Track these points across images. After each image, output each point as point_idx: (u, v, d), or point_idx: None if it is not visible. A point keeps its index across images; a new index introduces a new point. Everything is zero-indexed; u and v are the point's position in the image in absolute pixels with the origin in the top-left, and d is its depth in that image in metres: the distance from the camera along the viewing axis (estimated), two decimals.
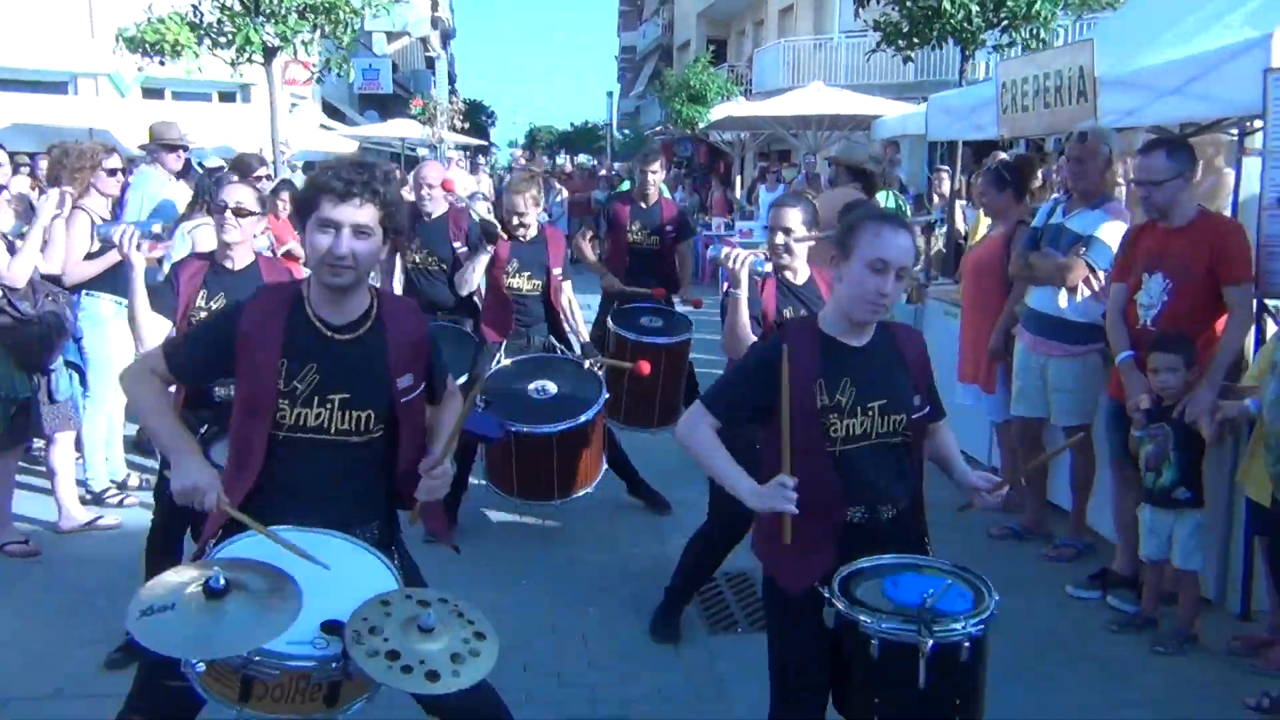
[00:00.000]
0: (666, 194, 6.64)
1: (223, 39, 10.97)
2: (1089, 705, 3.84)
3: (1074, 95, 5.38)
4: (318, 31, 11.35)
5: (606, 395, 5.05)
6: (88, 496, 5.60)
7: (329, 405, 2.50)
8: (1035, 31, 10.32)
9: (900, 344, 2.76)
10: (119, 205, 6.11)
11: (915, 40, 10.90)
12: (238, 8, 10.78)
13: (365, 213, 2.46)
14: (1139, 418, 4.23)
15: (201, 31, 10.99)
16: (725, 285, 3.94)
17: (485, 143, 45.77)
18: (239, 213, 3.93)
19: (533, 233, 5.51)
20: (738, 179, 24.83)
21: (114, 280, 5.39)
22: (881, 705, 2.43)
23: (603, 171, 26.30)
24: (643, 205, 6.55)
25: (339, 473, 2.55)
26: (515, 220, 5.46)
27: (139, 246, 3.76)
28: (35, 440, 5.51)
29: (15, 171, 7.66)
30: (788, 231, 3.99)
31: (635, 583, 4.74)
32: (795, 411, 2.59)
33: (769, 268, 3.91)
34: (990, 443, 6.20)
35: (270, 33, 10.73)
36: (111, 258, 5.30)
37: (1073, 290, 4.86)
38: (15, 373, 4.73)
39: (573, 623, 4.41)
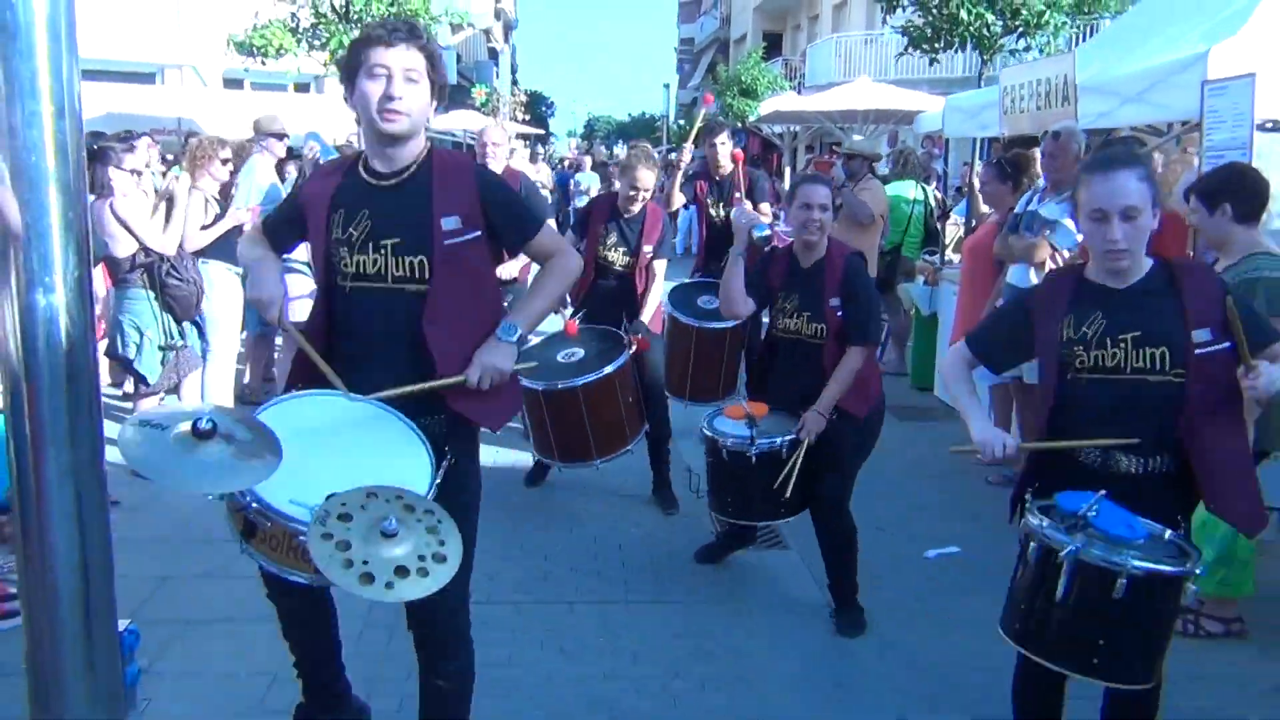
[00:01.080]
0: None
1: (317, 42, 12.11)
2: None
3: (1059, 99, 6.16)
4: None
5: (629, 353, 5.21)
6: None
7: (383, 251, 2.53)
8: (1047, 38, 11.11)
9: (1180, 282, 2.67)
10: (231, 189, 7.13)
11: (938, 45, 11.68)
12: (331, 15, 11.95)
13: (413, 57, 2.49)
14: None
15: (299, 36, 12.16)
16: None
17: (544, 133, 46.90)
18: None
19: (637, 208, 5.56)
20: (787, 170, 25.58)
21: (226, 249, 6.39)
22: (1024, 612, 2.56)
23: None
24: (715, 179, 6.66)
25: (401, 327, 2.56)
26: (631, 192, 5.50)
27: None
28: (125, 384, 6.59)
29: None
30: (822, 208, 4.17)
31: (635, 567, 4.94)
32: (1043, 344, 2.75)
33: (768, 233, 4.33)
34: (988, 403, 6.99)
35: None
36: (222, 228, 6.32)
37: (1039, 267, 5.64)
38: (174, 325, 5.80)
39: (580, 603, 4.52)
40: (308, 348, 2.53)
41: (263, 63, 12.09)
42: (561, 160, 29.75)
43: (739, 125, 25.61)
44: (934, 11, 11.19)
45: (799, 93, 25.58)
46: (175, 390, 6.25)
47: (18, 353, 2.85)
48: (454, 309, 2.54)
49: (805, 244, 4.23)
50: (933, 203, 9.47)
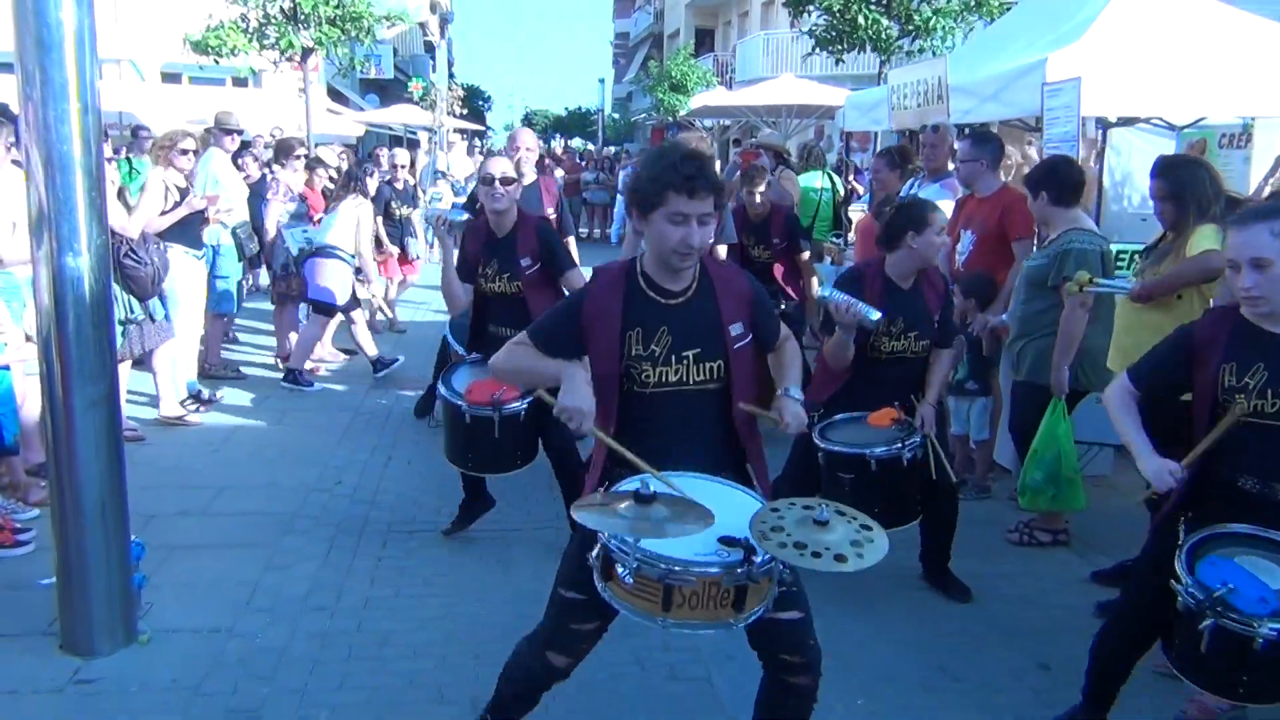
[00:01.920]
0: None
1: (267, 42, 12.72)
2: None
3: (935, 98, 7.02)
4: (346, 36, 13.11)
5: None
6: (191, 401, 7.19)
7: (685, 361, 2.77)
8: (936, 41, 12.14)
9: None
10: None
11: (840, 47, 12.66)
12: (279, 16, 12.59)
13: (708, 203, 2.69)
14: None
15: (250, 35, 12.76)
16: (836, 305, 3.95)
17: (482, 127, 47.36)
18: (505, 181, 4.61)
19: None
20: (718, 163, 26.43)
21: (184, 233, 7.01)
22: (1178, 645, 2.82)
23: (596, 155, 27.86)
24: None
25: (701, 422, 2.84)
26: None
27: (449, 230, 4.60)
28: None
29: None
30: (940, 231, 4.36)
31: None
32: (1202, 385, 2.93)
33: (876, 316, 3.97)
34: None
35: (307, 37, 12.48)
36: (181, 214, 6.92)
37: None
38: (132, 301, 6.36)
39: None
40: (617, 447, 2.73)
41: (216, 61, 12.69)
42: (495, 153, 30.32)
43: (670, 120, 26.50)
44: (836, 16, 12.20)
45: (729, 88, 26.46)
46: (142, 361, 6.82)
47: (51, 305, 3.60)
48: (743, 398, 2.87)
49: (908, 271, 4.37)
50: (840, 191, 10.33)
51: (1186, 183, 4.12)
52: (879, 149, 7.96)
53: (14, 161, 5.41)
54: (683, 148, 2.83)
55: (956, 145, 6.15)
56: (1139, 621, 3.13)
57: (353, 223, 7.85)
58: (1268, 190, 5.14)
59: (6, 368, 4.91)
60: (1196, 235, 4.11)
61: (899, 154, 7.07)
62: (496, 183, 4.57)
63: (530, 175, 6.32)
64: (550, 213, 6.28)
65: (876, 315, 3.94)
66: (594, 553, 2.54)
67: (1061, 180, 4.89)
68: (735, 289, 2.90)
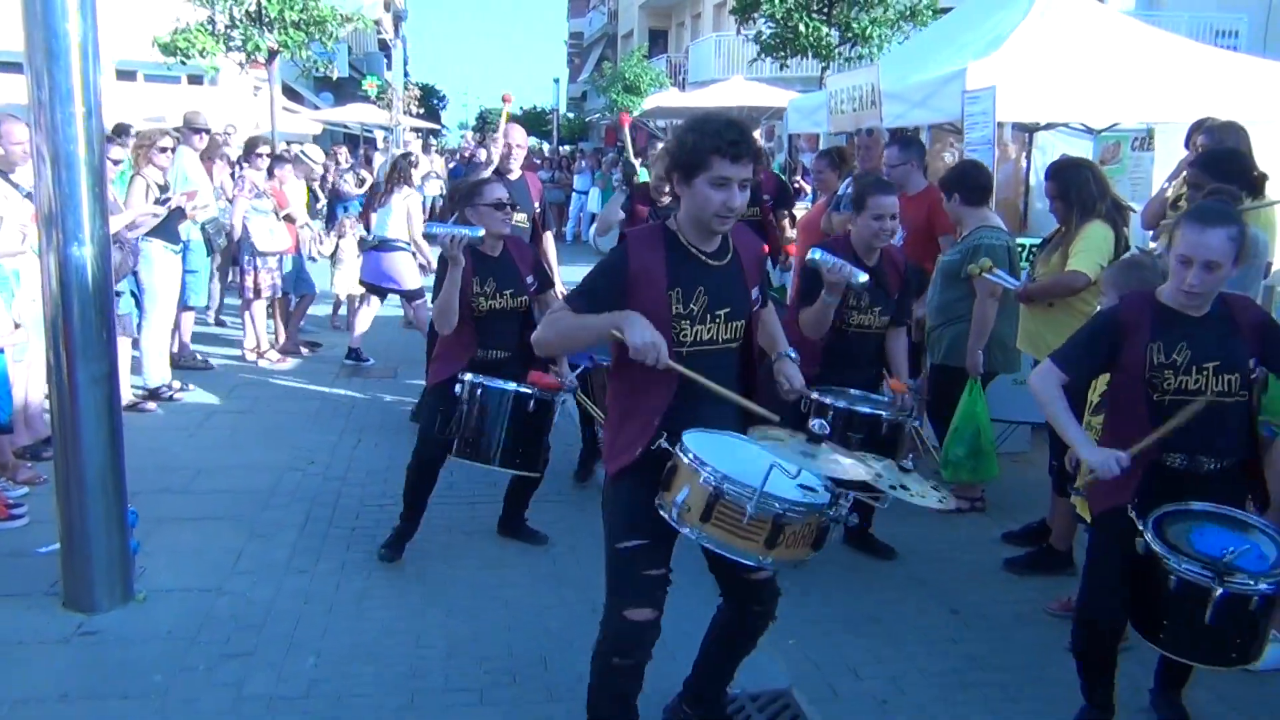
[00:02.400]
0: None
1: (233, 44, 13.04)
2: None
3: (869, 102, 7.51)
4: (309, 39, 13.49)
5: None
6: (144, 392, 7.51)
7: (718, 320, 2.90)
8: (873, 49, 12.77)
9: (1236, 314, 3.13)
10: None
11: (783, 54, 13.23)
12: (244, 19, 12.93)
13: (748, 169, 2.78)
14: None
15: (216, 37, 13.08)
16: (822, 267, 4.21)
17: (437, 126, 47.44)
18: (513, 206, 4.79)
19: None
20: None
21: (163, 228, 7.33)
22: (1169, 627, 2.94)
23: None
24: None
25: (727, 376, 2.96)
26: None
27: (461, 247, 4.48)
28: None
29: None
30: (892, 217, 4.60)
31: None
32: (1131, 367, 3.11)
33: (863, 278, 4.23)
34: None
35: (272, 39, 12.81)
36: (163, 211, 7.24)
37: None
38: None
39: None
40: (699, 378, 2.84)
41: (183, 62, 13.00)
42: (454, 151, 30.56)
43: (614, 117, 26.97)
44: (780, 24, 12.79)
45: (682, 89, 26.93)
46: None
47: (57, 291, 3.97)
48: (753, 356, 3.10)
49: (873, 248, 4.63)
50: (787, 189, 10.81)
51: (1072, 184, 4.63)
52: (820, 150, 8.45)
53: None
54: (724, 116, 2.92)
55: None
56: (1109, 610, 3.22)
57: (404, 213, 8.24)
58: (1170, 191, 5.65)
59: (0, 351, 5.22)
60: (1083, 231, 4.62)
61: (838, 155, 7.55)
62: (507, 208, 4.67)
63: (517, 172, 6.54)
64: (536, 208, 6.54)
65: (864, 277, 4.19)
66: (681, 496, 2.72)
67: (971, 183, 5.40)
68: (754, 253, 3.06)
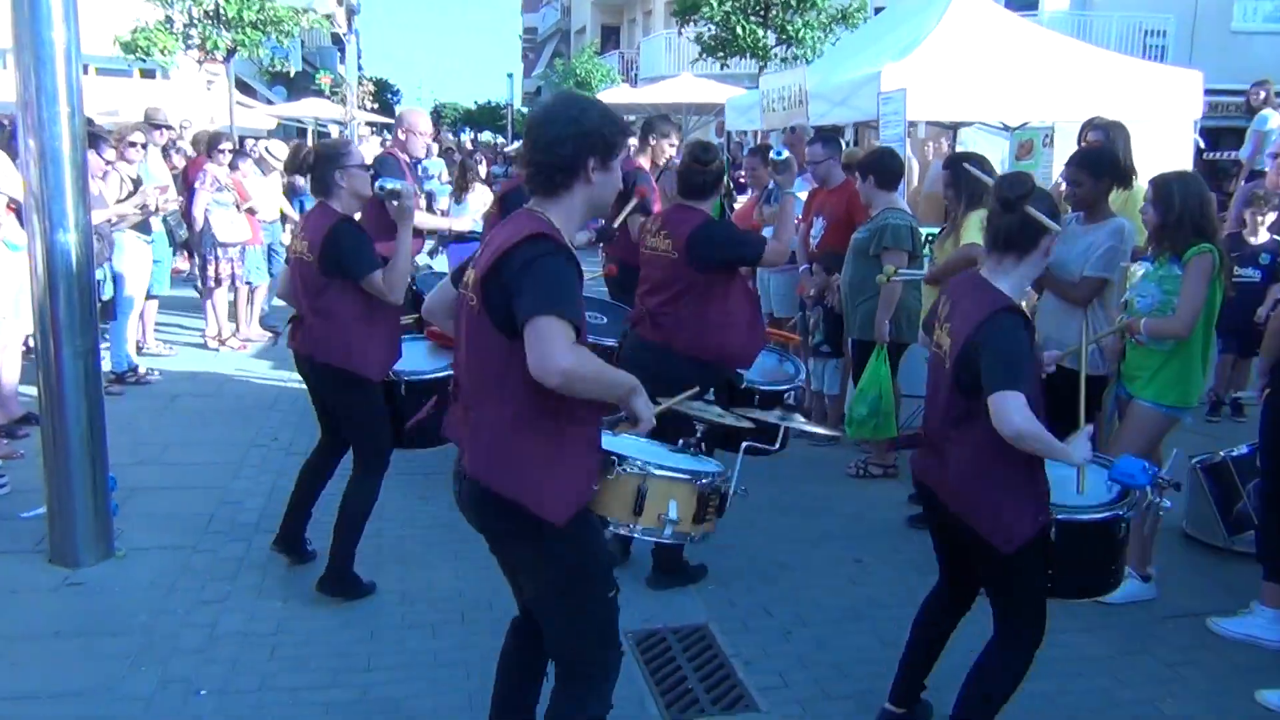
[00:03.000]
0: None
1: (191, 42, 13.38)
2: None
3: (797, 101, 8.05)
4: (266, 37, 13.90)
5: None
6: (112, 375, 7.87)
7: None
8: (806, 49, 13.41)
9: None
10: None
11: (723, 54, 13.83)
12: (203, 17, 13.29)
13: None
14: (809, 300, 6.89)
15: (175, 35, 13.42)
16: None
17: (391, 120, 47.60)
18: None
19: None
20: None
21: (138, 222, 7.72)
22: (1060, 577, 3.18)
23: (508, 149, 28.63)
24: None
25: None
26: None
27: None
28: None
29: None
30: None
31: None
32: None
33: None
34: None
35: (229, 38, 13.17)
36: (126, 207, 7.61)
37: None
38: None
39: None
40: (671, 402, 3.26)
41: (143, 59, 13.34)
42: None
43: None
44: (718, 25, 13.41)
45: (633, 85, 27.40)
46: None
47: (44, 273, 4.38)
48: None
49: None
50: (730, 183, 11.35)
51: (961, 176, 5.16)
52: (751, 147, 8.97)
53: None
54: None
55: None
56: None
57: (480, 208, 8.70)
58: (1063, 186, 6.22)
59: None
60: (967, 220, 5.17)
61: (764, 151, 8.07)
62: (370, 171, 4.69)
63: (422, 155, 7.04)
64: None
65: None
66: (671, 512, 3.05)
67: (884, 168, 5.95)
68: None
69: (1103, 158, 4.86)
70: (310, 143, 14.45)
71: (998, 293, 3.08)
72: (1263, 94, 9.62)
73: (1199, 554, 5.10)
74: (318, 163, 4.31)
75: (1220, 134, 18.10)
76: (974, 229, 5.09)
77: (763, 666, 3.98)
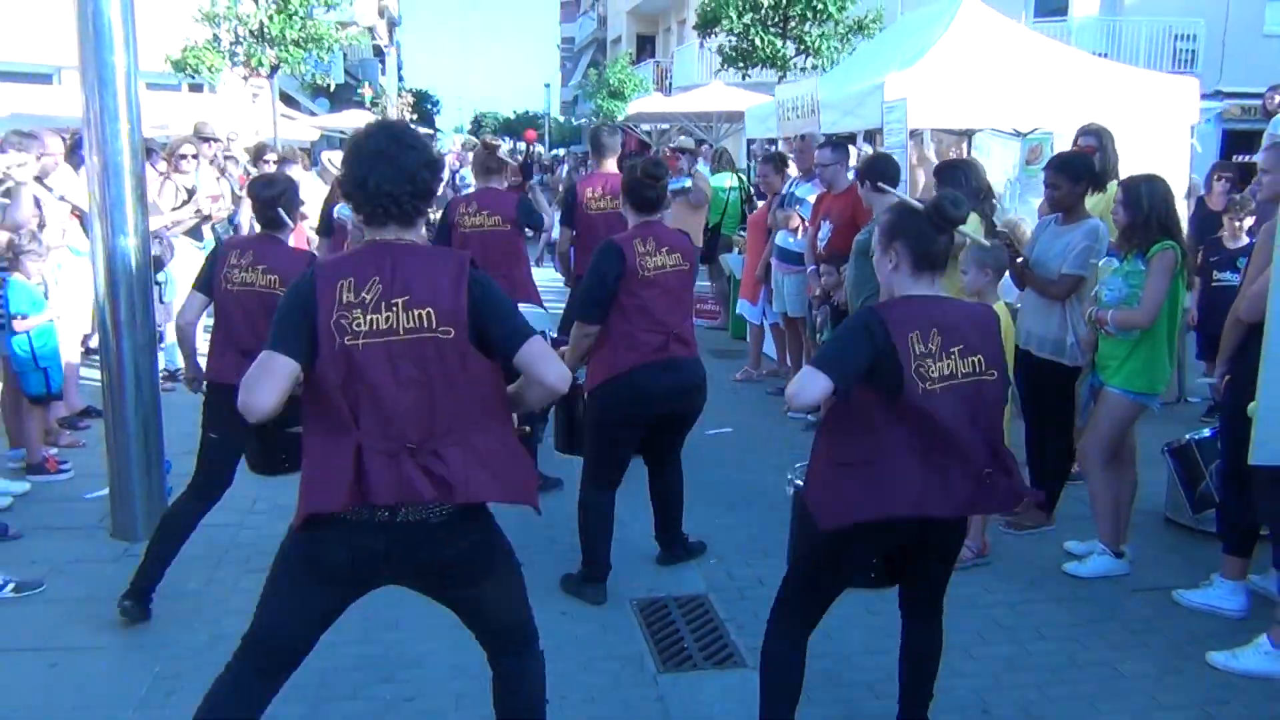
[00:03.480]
0: None
1: (238, 59, 14.05)
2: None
3: (809, 111, 8.41)
4: (308, 54, 14.56)
5: None
6: (166, 372, 8.39)
7: None
8: (823, 60, 13.79)
9: None
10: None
11: (744, 65, 14.25)
12: (248, 36, 13.96)
13: None
14: (816, 300, 7.25)
15: (223, 53, 14.10)
16: None
17: (431, 130, 48.49)
18: None
19: None
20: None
21: (191, 229, 8.24)
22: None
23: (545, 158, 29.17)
24: None
25: None
26: None
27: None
28: None
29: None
30: None
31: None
32: None
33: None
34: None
35: (273, 55, 13.82)
36: (184, 213, 8.15)
37: (793, 231, 7.88)
38: None
39: None
40: None
41: (192, 76, 14.03)
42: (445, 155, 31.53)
43: (609, 123, 28.01)
44: (739, 38, 13.83)
45: (667, 93, 27.85)
46: None
47: (105, 275, 4.83)
48: None
49: None
50: (749, 189, 11.71)
51: (947, 179, 5.50)
52: (764, 155, 9.36)
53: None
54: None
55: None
56: None
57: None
58: None
59: (54, 328, 6.08)
60: None
61: (779, 159, 8.46)
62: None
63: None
64: None
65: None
66: None
67: (881, 172, 6.29)
68: None
69: (1079, 163, 5.19)
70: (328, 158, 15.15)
71: (978, 304, 3.23)
72: (1278, 98, 9.84)
73: (1174, 535, 5.40)
74: (268, 201, 4.35)
75: (1252, 137, 18.22)
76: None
77: (754, 630, 4.29)
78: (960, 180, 5.48)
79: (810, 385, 2.88)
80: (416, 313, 2.59)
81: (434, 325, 2.60)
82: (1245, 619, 4.36)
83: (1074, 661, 4.13)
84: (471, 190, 7.57)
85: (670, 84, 30.72)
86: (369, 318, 2.57)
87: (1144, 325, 4.57)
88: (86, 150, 4.88)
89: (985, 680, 3.95)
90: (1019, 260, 5.24)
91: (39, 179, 6.71)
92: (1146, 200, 4.64)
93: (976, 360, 2.99)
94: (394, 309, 2.58)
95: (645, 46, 37.11)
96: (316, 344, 2.57)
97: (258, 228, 9.25)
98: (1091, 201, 5.30)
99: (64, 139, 8.75)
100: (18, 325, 5.70)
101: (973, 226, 5.48)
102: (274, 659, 2.85)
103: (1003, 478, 3.02)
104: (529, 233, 6.56)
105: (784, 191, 8.24)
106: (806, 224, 7.89)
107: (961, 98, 7.25)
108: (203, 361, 4.61)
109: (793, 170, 8.49)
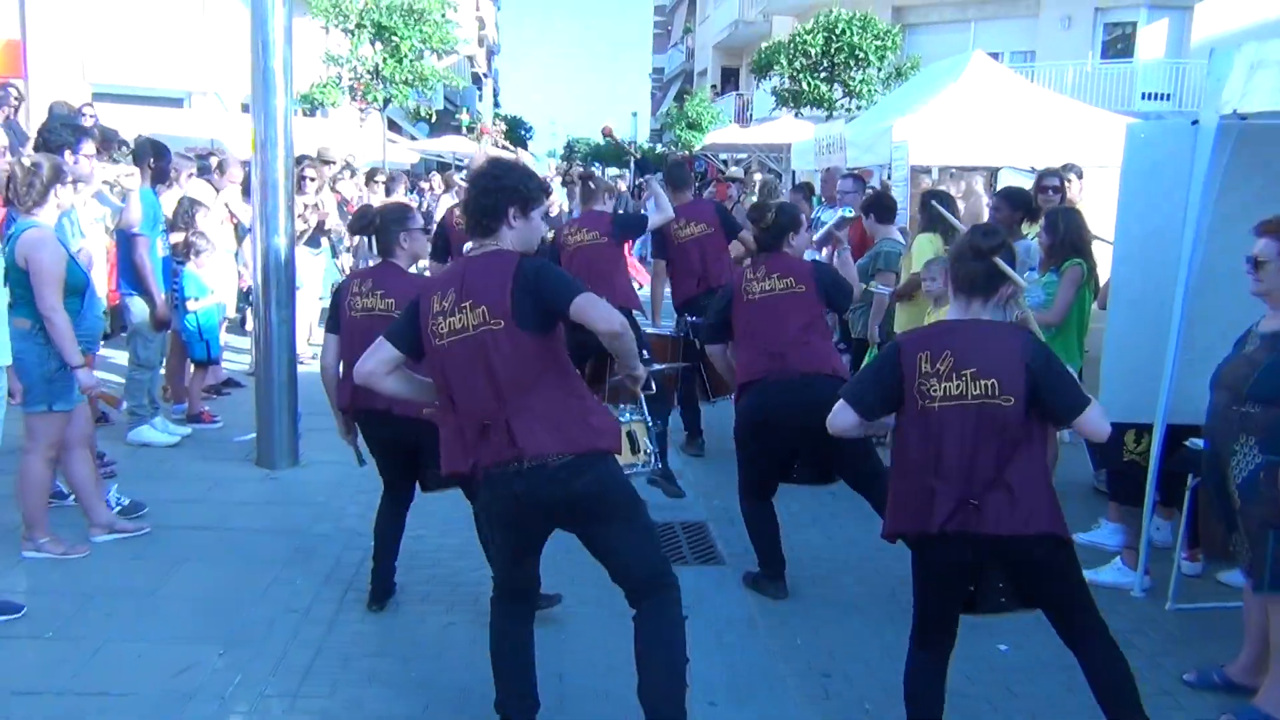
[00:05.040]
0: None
1: (356, 95, 16.14)
2: None
3: (839, 148, 9.75)
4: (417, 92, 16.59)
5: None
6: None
7: None
8: (864, 101, 15.19)
9: None
10: None
11: (793, 104, 15.73)
12: (367, 76, 16.05)
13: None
14: None
15: (343, 90, 16.21)
16: None
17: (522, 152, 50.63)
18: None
19: None
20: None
21: (309, 238, 9.88)
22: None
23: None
24: None
25: None
26: None
27: None
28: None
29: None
30: None
31: None
32: None
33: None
34: None
35: (384, 92, 15.83)
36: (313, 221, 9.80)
37: (817, 248, 9.19)
38: None
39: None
40: None
41: (312, 113, 16.19)
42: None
43: (688, 152, 29.62)
44: (791, 80, 15.38)
45: (746, 125, 29.31)
46: None
47: (261, 265, 6.41)
48: None
49: None
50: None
51: (923, 206, 6.80)
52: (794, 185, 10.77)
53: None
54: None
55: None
56: None
57: None
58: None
59: (215, 309, 7.69)
60: (917, 240, 6.80)
61: (806, 188, 9.80)
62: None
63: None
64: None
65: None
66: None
67: (881, 206, 7.61)
68: None
69: (1018, 195, 6.50)
70: (439, 179, 16.95)
71: (1004, 324, 3.30)
72: None
73: (1099, 502, 6.57)
74: (383, 224, 4.53)
75: None
76: (925, 247, 6.72)
77: (738, 547, 5.66)
78: (927, 205, 6.79)
79: (839, 416, 3.29)
80: (479, 310, 3.16)
81: (489, 319, 3.15)
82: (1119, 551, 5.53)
83: None
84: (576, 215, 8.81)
85: (751, 116, 32.14)
86: (448, 321, 3.20)
87: (1055, 323, 5.82)
88: (253, 171, 6.47)
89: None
90: None
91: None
92: (1063, 227, 5.90)
93: (990, 384, 3.06)
94: (462, 311, 3.18)
95: (729, 79, 38.59)
96: (422, 346, 3.28)
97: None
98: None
99: (190, 158, 10.45)
100: (190, 306, 7.34)
101: (932, 245, 6.79)
102: (511, 591, 3.50)
103: (1001, 506, 3.08)
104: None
105: (814, 216, 9.57)
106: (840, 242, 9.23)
107: (956, 140, 8.55)
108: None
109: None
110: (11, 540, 5.09)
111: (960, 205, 9.87)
